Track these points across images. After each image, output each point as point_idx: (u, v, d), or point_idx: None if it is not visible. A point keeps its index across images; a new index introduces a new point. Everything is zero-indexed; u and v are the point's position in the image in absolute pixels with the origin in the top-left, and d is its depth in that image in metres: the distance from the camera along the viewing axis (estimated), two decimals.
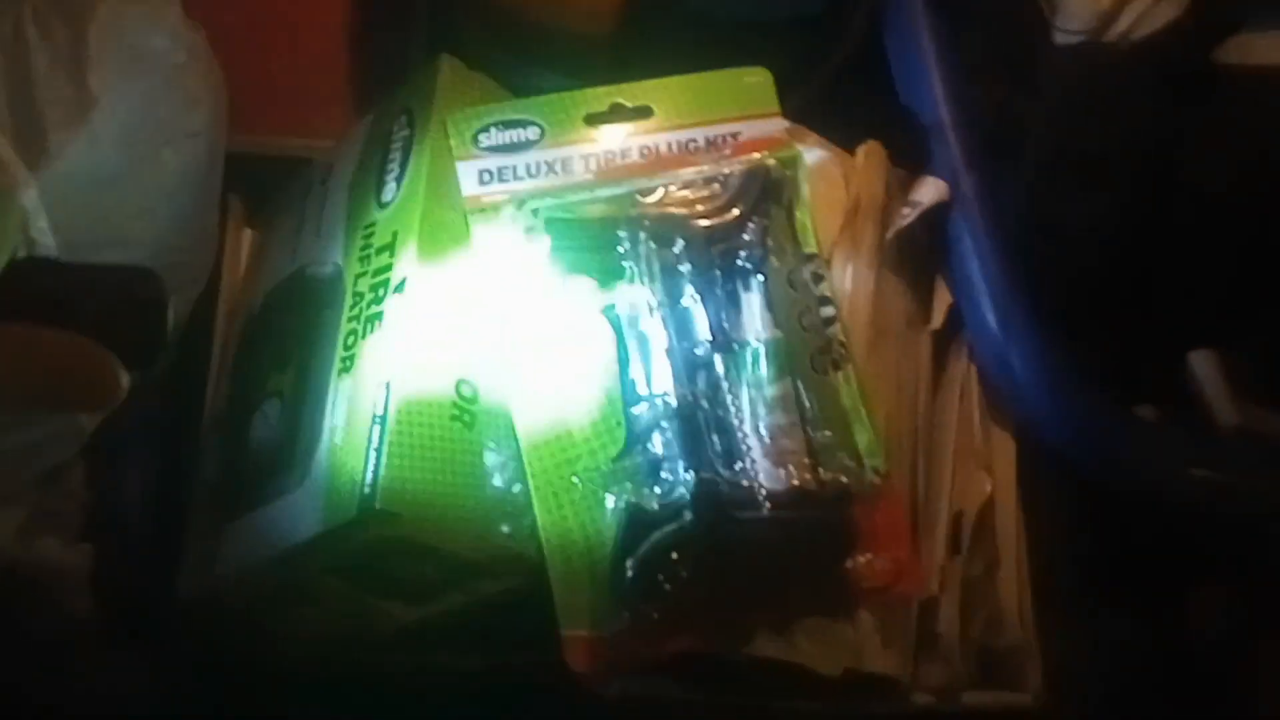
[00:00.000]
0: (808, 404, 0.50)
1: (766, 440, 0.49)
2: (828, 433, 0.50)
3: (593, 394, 0.49)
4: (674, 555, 0.46)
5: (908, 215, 0.54)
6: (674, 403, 0.48)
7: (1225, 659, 0.57)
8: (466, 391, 0.48)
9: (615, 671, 0.47)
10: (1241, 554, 0.57)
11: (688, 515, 0.46)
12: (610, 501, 0.47)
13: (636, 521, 0.47)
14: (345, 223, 0.55)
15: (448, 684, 0.54)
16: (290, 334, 0.55)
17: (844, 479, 0.49)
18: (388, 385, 0.47)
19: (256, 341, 0.57)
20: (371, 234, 0.53)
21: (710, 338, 0.49)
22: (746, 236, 0.51)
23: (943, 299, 0.56)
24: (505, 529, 0.47)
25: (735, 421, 0.48)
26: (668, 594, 0.47)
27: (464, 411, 0.48)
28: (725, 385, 0.48)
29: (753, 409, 0.49)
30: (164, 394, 0.60)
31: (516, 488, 0.48)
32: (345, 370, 0.49)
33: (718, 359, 0.49)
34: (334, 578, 0.49)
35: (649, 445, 0.48)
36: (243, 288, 0.60)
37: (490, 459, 0.48)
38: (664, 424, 0.48)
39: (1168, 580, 0.60)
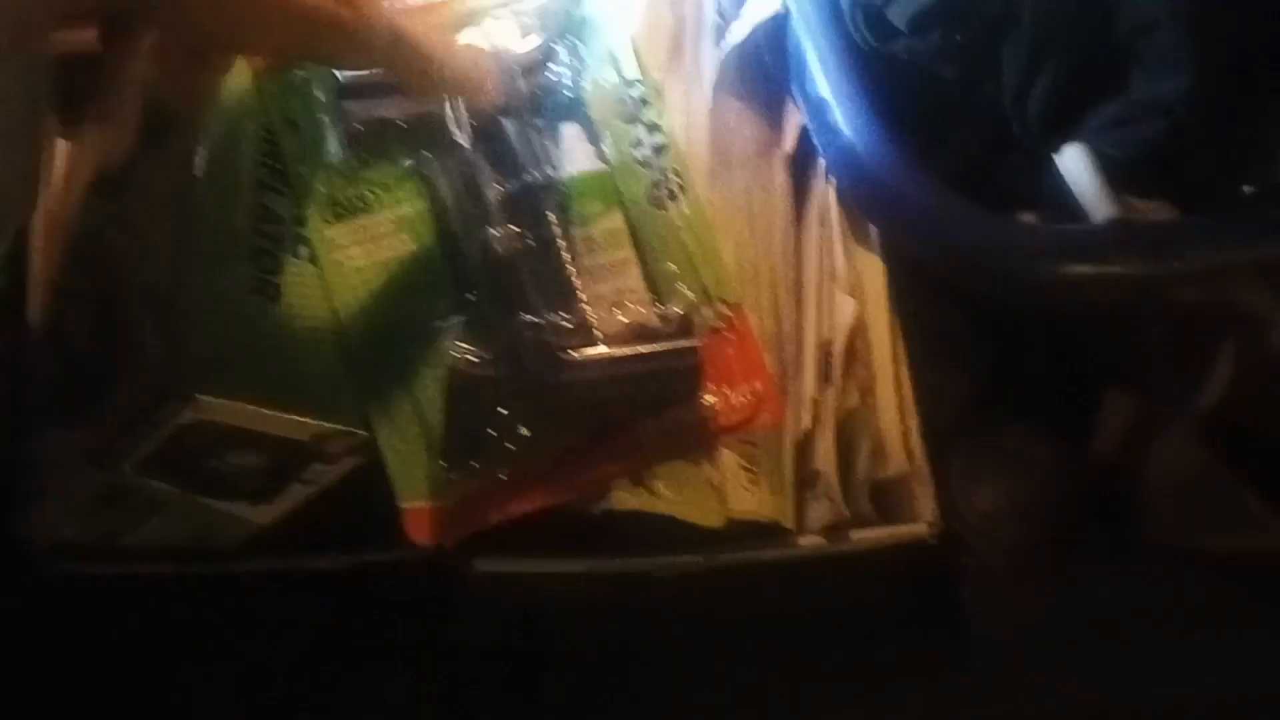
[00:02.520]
0: (644, 238, 0.47)
1: (600, 278, 0.46)
2: (669, 266, 0.47)
3: (409, 251, 0.46)
4: (503, 410, 0.43)
5: (741, 30, 0.50)
6: (496, 249, 0.45)
7: (1124, 466, 0.55)
8: (267, 262, 0.45)
9: (457, 536, 0.45)
10: (1132, 351, 0.54)
11: (513, 366, 0.43)
12: (435, 362, 0.44)
13: (462, 380, 0.44)
14: None
15: (309, 586, 0.51)
16: (100, 239, 0.51)
17: (685, 312, 0.45)
18: (181, 264, 0.43)
19: (72, 251, 0.53)
20: None
21: (529, 175, 0.45)
22: (557, 66, 0.47)
23: (794, 120, 0.52)
24: (326, 405, 0.44)
25: (563, 261, 0.45)
26: (511, 452, 0.44)
27: (265, 284, 0.44)
28: (550, 224, 0.45)
29: (584, 247, 0.46)
30: None
31: (334, 359, 0.45)
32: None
33: (539, 197, 0.45)
34: (158, 481, 0.46)
35: (471, 298, 0.45)
36: (61, 199, 0.57)
37: (301, 331, 0.44)
38: (486, 273, 0.45)
39: (1067, 393, 0.58)
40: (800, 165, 0.53)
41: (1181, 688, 0.55)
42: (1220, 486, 0.54)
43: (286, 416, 0.43)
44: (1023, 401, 0.60)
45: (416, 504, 0.44)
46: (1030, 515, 0.58)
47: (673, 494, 0.46)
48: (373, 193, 0.46)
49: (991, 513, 0.58)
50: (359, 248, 0.46)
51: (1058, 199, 0.52)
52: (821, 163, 0.52)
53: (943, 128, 0.53)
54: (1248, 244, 0.50)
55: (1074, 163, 0.51)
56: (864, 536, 0.50)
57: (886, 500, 0.51)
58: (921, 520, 0.50)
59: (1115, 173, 0.52)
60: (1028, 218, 0.54)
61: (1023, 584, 0.57)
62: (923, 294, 0.54)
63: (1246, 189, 0.53)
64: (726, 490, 0.46)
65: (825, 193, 0.52)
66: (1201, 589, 0.56)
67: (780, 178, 0.53)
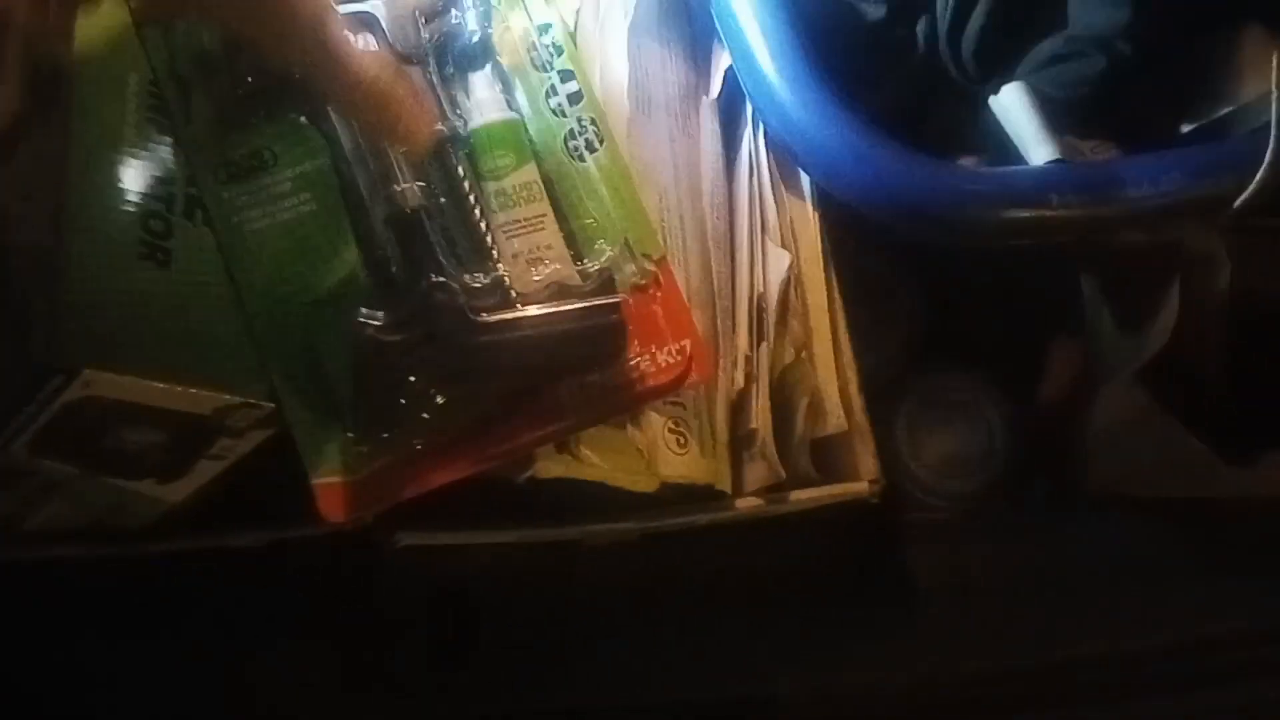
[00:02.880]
0: (562, 191, 0.44)
1: (515, 235, 0.43)
2: (589, 221, 0.44)
3: (310, 211, 0.43)
4: (415, 377, 0.41)
5: None
6: (401, 206, 0.42)
7: (1069, 416, 0.53)
8: (157, 226, 0.42)
9: (373, 511, 0.42)
10: (1075, 297, 0.52)
11: (423, 329, 0.41)
12: (341, 329, 0.42)
13: (370, 346, 0.41)
14: None
15: (228, 565, 0.49)
16: None
17: (607, 267, 0.43)
18: (59, 229, 0.41)
19: None
20: None
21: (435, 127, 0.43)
22: (462, 11, 0.44)
23: (719, 63, 0.50)
24: (227, 377, 0.42)
25: (475, 218, 0.42)
26: (426, 421, 0.42)
27: (155, 249, 0.41)
28: (459, 178, 0.42)
29: (496, 202, 0.43)
30: None
31: (233, 328, 0.42)
32: None
33: (447, 150, 0.43)
34: (52, 461, 0.43)
35: (378, 259, 0.42)
36: None
37: (197, 299, 0.42)
38: (392, 232, 0.42)
39: (1010, 342, 0.56)
40: (726, 111, 0.51)
41: (1130, 639, 0.54)
42: (1166, 434, 0.52)
43: (184, 390, 0.41)
44: (965, 352, 0.58)
45: (328, 479, 0.42)
46: (975, 467, 0.57)
47: (601, 460, 0.44)
48: (269, 150, 0.43)
49: (936, 466, 0.56)
50: (257, 209, 0.43)
51: (995, 141, 0.51)
52: (749, 108, 0.50)
53: (874, 69, 0.51)
54: (1191, 182, 0.48)
55: (1012, 102, 0.49)
56: (803, 497, 0.48)
57: (826, 459, 0.49)
58: (863, 479, 0.48)
59: (1054, 112, 0.50)
60: (965, 162, 0.52)
61: (968, 539, 0.56)
62: (858, 244, 0.52)
63: (1188, 126, 0.52)
64: (656, 454, 0.44)
65: (754, 140, 0.50)
66: (1148, 539, 0.55)
67: (707, 126, 0.50)
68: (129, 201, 0.41)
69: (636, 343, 0.44)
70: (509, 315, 0.41)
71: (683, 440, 0.45)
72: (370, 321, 0.41)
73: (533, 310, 0.42)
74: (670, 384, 0.44)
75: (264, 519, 0.48)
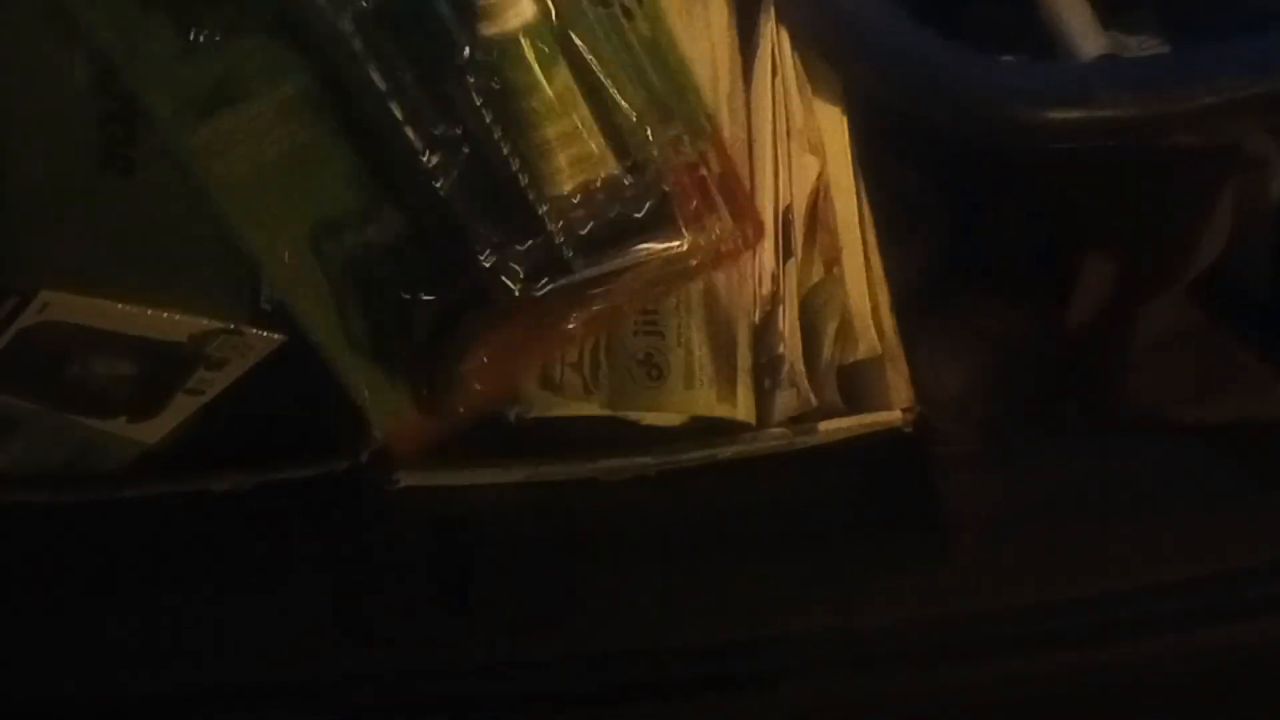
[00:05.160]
0: (598, 58, 0.39)
1: (553, 152, 0.38)
2: (630, 103, 0.39)
3: (304, 142, 0.38)
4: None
5: None
6: (428, 165, 0.37)
7: (1102, 335, 0.50)
8: (118, 130, 0.37)
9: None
10: (1117, 207, 0.49)
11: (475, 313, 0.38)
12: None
13: (420, 331, 0.38)
14: None
15: (210, 510, 0.45)
16: None
17: (657, 162, 0.39)
18: (11, 132, 0.36)
19: None
20: None
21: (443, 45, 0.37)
22: None
23: None
24: (204, 298, 0.38)
25: (514, 166, 0.37)
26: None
27: (115, 156, 0.37)
28: (480, 105, 0.37)
29: (531, 122, 0.38)
30: None
31: (209, 243, 0.38)
32: None
33: (467, 78, 0.37)
34: (9, 395, 0.39)
35: (414, 222, 0.38)
36: None
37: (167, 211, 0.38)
38: (419, 196, 0.38)
39: (1040, 257, 0.53)
40: (745, 2, 0.46)
41: (1171, 569, 0.51)
42: (1214, 349, 0.49)
43: (155, 313, 0.37)
44: (992, 269, 0.55)
45: (397, 421, 0.40)
46: (1003, 393, 0.53)
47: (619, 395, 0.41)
48: (241, 75, 0.37)
49: (962, 394, 0.53)
50: (238, 149, 0.37)
51: (1039, 36, 0.47)
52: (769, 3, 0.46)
53: None
54: (1250, 80, 0.44)
55: None
56: (833, 428, 0.45)
57: (851, 386, 0.46)
58: (894, 407, 0.45)
59: (1102, 5, 0.46)
60: (1007, 59, 0.48)
61: (999, 468, 0.53)
62: (884, 150, 0.48)
63: (1241, 19, 0.48)
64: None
65: (776, 34, 0.45)
66: (1190, 463, 0.52)
67: (721, 17, 0.46)
68: (85, 99, 0.37)
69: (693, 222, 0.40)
70: (565, 281, 0.38)
71: (719, 374, 0.42)
72: (415, 296, 0.38)
73: (588, 273, 0.38)
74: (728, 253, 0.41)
75: (248, 459, 0.45)
